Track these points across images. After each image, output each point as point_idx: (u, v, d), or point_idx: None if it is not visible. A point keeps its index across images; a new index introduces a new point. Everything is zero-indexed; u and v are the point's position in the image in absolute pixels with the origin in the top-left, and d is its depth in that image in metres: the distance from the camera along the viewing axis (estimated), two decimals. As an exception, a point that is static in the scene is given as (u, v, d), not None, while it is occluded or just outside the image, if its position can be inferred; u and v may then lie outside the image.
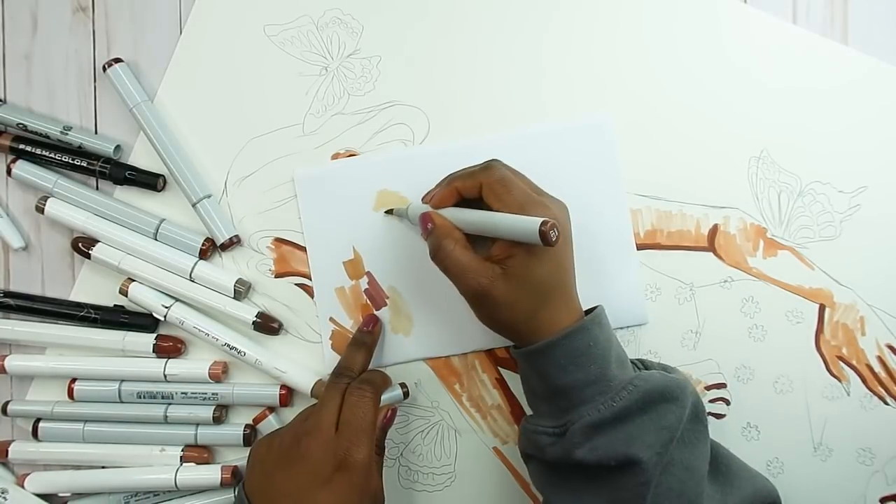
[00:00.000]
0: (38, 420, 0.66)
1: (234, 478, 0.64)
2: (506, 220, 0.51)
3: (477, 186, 0.54)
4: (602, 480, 0.50)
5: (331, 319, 0.65)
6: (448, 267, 0.53)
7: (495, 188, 0.53)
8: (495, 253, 0.53)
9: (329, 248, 0.65)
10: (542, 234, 0.48)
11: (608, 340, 0.53)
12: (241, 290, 0.64)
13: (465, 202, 0.56)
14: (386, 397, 0.62)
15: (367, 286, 0.65)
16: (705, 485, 0.50)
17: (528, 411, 0.64)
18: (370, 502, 0.54)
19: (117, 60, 0.65)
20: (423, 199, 0.59)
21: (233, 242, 0.65)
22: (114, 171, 0.65)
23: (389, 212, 0.64)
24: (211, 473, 0.64)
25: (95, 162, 0.65)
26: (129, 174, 0.65)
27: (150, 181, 0.65)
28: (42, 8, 0.67)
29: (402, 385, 0.63)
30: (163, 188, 0.66)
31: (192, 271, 0.64)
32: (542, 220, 0.48)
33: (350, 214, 0.64)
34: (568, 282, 0.54)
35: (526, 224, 0.49)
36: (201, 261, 0.65)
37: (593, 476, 0.50)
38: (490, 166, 0.55)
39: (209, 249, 0.65)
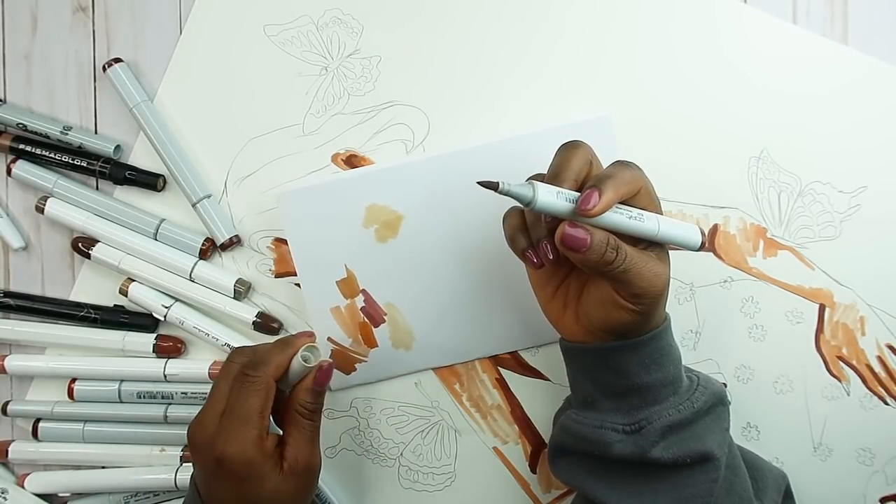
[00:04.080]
0: (38, 420, 0.66)
1: None
2: (671, 225, 0.49)
3: (634, 191, 0.49)
4: (672, 477, 0.50)
5: (329, 339, 0.65)
6: (635, 265, 0.47)
7: (651, 195, 0.50)
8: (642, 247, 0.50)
9: (320, 269, 0.64)
10: (703, 243, 0.51)
11: (676, 342, 0.53)
12: (241, 291, 0.64)
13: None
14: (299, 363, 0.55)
15: (363, 304, 0.64)
16: (748, 480, 0.53)
17: (528, 411, 0.64)
18: (270, 494, 0.52)
19: (117, 60, 0.65)
20: (580, 209, 0.46)
21: (233, 242, 0.65)
22: (114, 171, 0.65)
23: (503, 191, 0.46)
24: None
25: (95, 162, 0.65)
26: (129, 174, 0.65)
27: (150, 181, 0.65)
28: (42, 8, 0.67)
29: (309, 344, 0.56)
30: (163, 188, 0.66)
31: (192, 271, 0.64)
32: (701, 230, 0.51)
33: (339, 232, 0.63)
34: None
35: (690, 232, 0.51)
36: (201, 261, 0.65)
37: (663, 473, 0.50)
38: (632, 165, 0.49)
39: (209, 249, 0.65)
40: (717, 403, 0.52)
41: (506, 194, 0.46)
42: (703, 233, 0.51)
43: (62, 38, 0.67)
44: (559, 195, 0.46)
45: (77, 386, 0.65)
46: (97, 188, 0.67)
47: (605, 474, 0.53)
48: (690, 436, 0.50)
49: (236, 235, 0.65)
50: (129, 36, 0.67)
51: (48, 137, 0.66)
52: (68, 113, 0.67)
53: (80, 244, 0.66)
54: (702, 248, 0.51)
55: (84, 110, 0.67)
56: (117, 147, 0.65)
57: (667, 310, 0.53)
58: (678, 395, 0.51)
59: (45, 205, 0.66)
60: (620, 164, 0.49)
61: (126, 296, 0.66)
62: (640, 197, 0.49)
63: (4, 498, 0.67)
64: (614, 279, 0.48)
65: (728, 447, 0.52)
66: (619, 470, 0.52)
